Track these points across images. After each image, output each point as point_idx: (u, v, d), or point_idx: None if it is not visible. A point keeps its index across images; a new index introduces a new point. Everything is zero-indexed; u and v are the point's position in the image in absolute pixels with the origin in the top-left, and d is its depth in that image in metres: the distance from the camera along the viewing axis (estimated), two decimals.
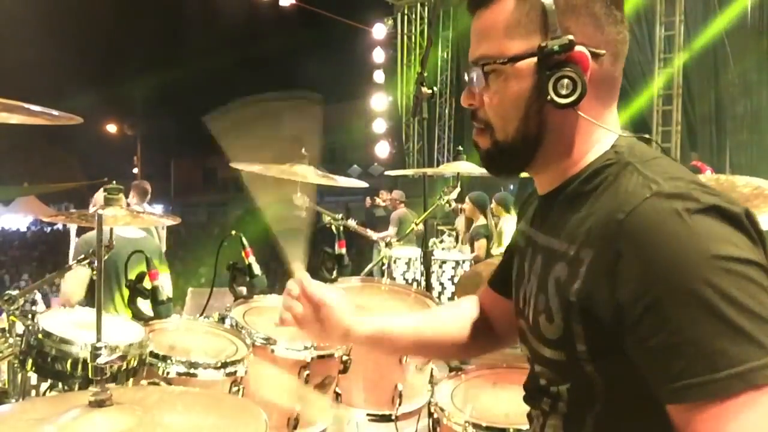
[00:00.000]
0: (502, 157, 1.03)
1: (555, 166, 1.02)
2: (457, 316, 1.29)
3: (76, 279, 3.29)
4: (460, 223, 7.57)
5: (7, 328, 1.82)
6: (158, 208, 11.47)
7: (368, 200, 10.20)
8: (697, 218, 0.80)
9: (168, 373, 1.81)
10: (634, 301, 0.82)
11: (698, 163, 5.79)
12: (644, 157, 0.94)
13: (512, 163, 1.03)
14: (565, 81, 0.92)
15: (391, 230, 7.92)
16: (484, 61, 0.99)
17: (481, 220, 6.53)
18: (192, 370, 1.83)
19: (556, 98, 0.93)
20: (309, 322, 1.15)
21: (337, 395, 2.18)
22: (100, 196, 6.73)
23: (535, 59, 0.95)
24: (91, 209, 6.35)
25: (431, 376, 2.34)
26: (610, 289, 0.84)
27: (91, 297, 3.32)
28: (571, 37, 0.92)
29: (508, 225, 6.56)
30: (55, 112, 1.44)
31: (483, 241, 6.37)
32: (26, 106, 1.36)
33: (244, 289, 2.27)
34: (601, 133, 0.99)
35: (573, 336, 0.91)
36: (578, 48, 0.93)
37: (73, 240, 5.52)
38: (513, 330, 1.15)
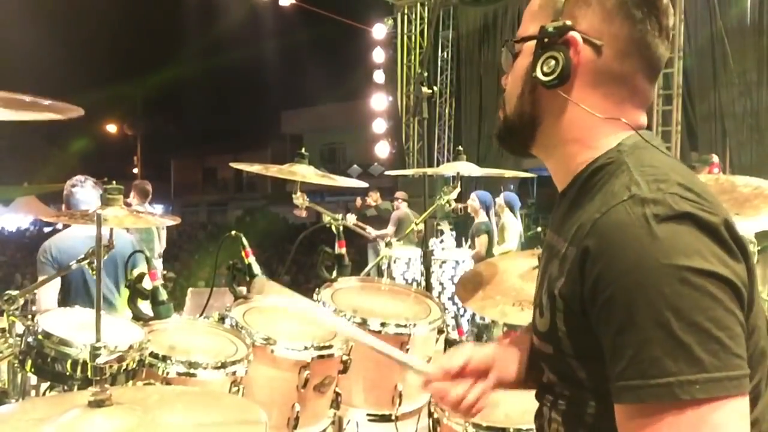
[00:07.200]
0: (507, 131, 1.08)
1: (559, 156, 1.03)
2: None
3: (51, 292, 3.26)
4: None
5: (7, 328, 1.82)
6: (158, 208, 11.48)
7: (359, 200, 10.18)
8: (665, 225, 0.80)
9: (168, 373, 1.80)
10: (593, 298, 0.84)
11: (713, 157, 5.77)
12: (642, 156, 0.93)
13: (514, 139, 1.08)
14: (552, 61, 0.96)
15: (390, 229, 7.94)
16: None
17: (482, 217, 6.59)
18: (192, 370, 1.82)
19: (539, 75, 0.97)
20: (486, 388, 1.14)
21: (337, 395, 2.18)
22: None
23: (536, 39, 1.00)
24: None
25: None
26: (580, 286, 0.86)
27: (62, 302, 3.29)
28: (569, 21, 0.96)
29: (510, 222, 6.62)
30: (45, 102, 1.39)
31: (484, 237, 6.46)
32: (20, 97, 1.32)
33: (244, 289, 2.27)
34: (609, 129, 0.98)
35: (557, 330, 0.93)
36: (573, 33, 0.96)
37: None
38: None
